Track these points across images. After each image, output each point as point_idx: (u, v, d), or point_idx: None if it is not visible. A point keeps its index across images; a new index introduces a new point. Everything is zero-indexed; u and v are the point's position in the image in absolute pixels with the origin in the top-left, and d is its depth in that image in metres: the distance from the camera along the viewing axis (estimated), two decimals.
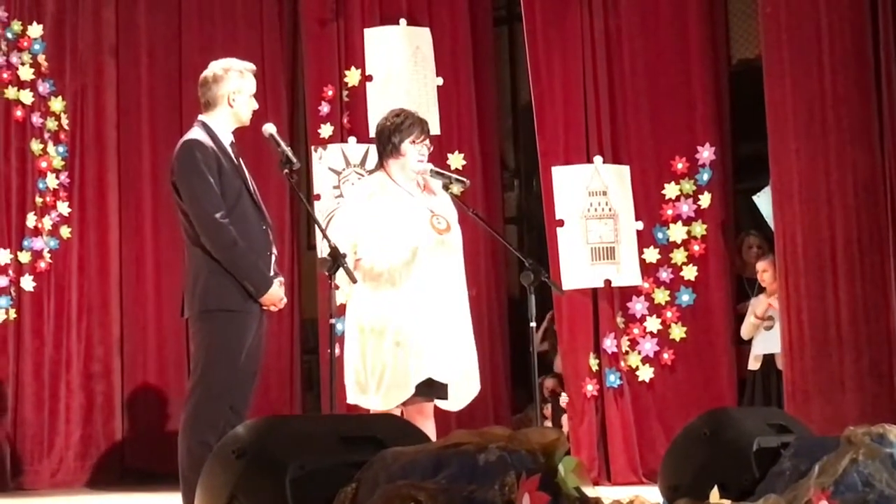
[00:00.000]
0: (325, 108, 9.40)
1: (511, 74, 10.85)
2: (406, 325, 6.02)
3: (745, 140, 8.86)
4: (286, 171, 5.82)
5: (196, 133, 5.78)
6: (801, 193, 7.92)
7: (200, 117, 5.88)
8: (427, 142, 6.29)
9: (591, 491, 3.80)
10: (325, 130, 9.36)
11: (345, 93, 9.39)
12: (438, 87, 9.31)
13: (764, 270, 8.55)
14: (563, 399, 8.92)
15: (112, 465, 9.59)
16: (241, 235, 5.68)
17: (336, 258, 5.56)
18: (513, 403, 9.57)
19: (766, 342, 8.49)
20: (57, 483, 9.30)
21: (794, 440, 4.68)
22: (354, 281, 5.75)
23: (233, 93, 5.84)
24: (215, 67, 5.90)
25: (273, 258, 5.91)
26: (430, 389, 6.04)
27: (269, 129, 5.90)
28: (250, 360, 5.77)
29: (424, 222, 6.13)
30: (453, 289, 6.19)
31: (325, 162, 9.20)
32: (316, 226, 6.24)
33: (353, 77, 9.36)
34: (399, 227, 6.08)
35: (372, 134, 8.95)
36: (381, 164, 6.32)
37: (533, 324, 6.09)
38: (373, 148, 8.85)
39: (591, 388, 8.62)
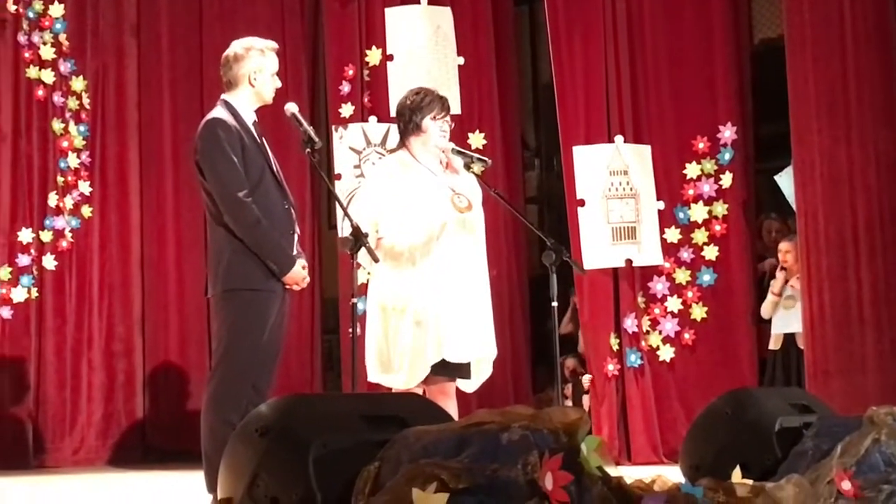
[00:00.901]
0: (345, 88, 9.40)
1: (532, 54, 10.83)
2: (426, 304, 6.01)
3: (766, 120, 8.82)
4: (308, 150, 5.81)
5: (219, 112, 5.77)
6: (823, 173, 7.89)
7: (223, 96, 5.86)
8: (448, 118, 6.28)
9: (613, 470, 3.80)
10: (346, 110, 9.36)
11: (366, 72, 9.39)
12: (459, 66, 9.30)
13: (787, 251, 8.53)
14: (586, 379, 8.91)
15: (133, 444, 9.64)
16: (263, 214, 5.67)
17: (358, 237, 5.55)
18: (533, 384, 9.57)
19: (786, 322, 8.47)
20: (78, 461, 9.36)
21: (817, 420, 4.68)
22: (376, 260, 5.75)
23: (254, 72, 5.82)
24: (236, 47, 5.89)
25: (296, 237, 5.90)
26: (453, 369, 6.03)
27: (291, 108, 5.88)
28: (273, 339, 5.77)
29: (445, 201, 6.12)
30: (474, 268, 6.17)
31: (346, 141, 9.20)
32: (338, 205, 6.21)
33: (373, 56, 9.36)
34: (420, 206, 6.07)
35: (393, 113, 8.94)
36: (402, 143, 6.31)
37: (555, 303, 6.07)
38: (394, 127, 8.84)
39: (611, 367, 8.62)
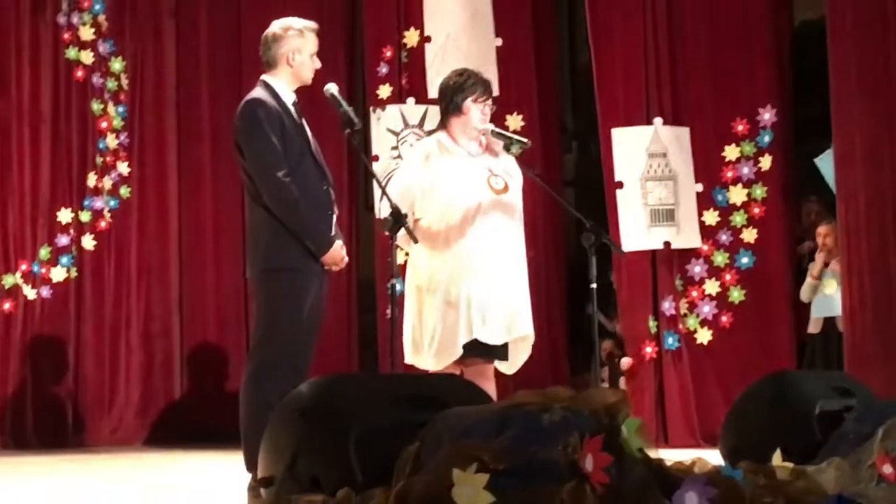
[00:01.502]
0: (383, 69, 9.40)
1: (570, 35, 10.79)
2: (459, 285, 6.00)
3: (807, 102, 8.77)
4: (347, 131, 5.80)
5: (258, 92, 5.77)
6: (864, 156, 7.84)
7: (263, 77, 5.86)
8: (489, 101, 6.26)
9: (653, 452, 3.80)
10: (384, 91, 9.36)
11: (403, 53, 9.38)
12: (497, 48, 9.27)
13: (826, 234, 8.48)
14: (625, 362, 8.89)
15: (171, 423, 9.67)
16: (302, 194, 5.67)
17: (397, 218, 5.55)
18: (570, 366, 9.55)
19: (825, 306, 8.42)
20: (117, 440, 9.41)
21: (858, 404, 4.66)
22: (415, 241, 5.75)
23: (293, 52, 5.82)
24: (275, 27, 5.88)
25: (334, 217, 5.90)
26: (489, 350, 6.02)
27: (331, 88, 5.87)
28: (312, 319, 5.77)
29: (482, 182, 6.10)
30: (510, 249, 6.16)
31: (384, 123, 9.20)
32: (377, 186, 6.21)
33: (411, 38, 9.35)
34: (457, 188, 6.06)
35: (430, 95, 8.99)
36: (442, 124, 6.29)
37: (594, 285, 6.06)
38: (431, 109, 8.88)
39: (649, 350, 8.60)
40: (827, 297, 8.39)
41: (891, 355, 7.64)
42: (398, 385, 4.06)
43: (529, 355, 6.28)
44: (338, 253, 5.81)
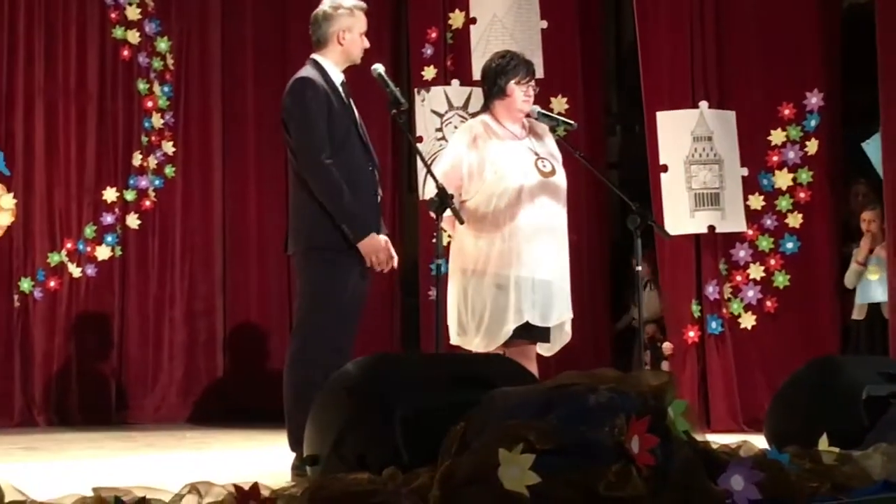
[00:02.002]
0: (428, 51, 9.40)
1: (616, 18, 10.74)
2: (508, 267, 6.01)
3: (854, 86, 8.70)
4: (394, 111, 5.81)
5: (308, 71, 5.78)
6: None
7: (312, 56, 5.87)
8: (533, 83, 6.25)
9: (699, 435, 3.79)
10: (429, 73, 9.36)
11: (449, 35, 9.37)
12: (542, 30, 9.24)
13: (871, 220, 8.42)
14: (667, 346, 8.86)
15: (214, 402, 9.73)
16: (346, 176, 5.67)
17: (443, 199, 5.55)
18: (613, 349, 9.54)
19: (870, 292, 8.37)
20: (160, 418, 9.47)
21: None
22: (462, 221, 5.74)
23: (342, 31, 5.82)
24: (326, 5, 5.89)
25: (379, 198, 5.90)
26: (534, 332, 6.03)
27: (378, 69, 5.87)
28: (355, 299, 5.78)
29: (529, 165, 6.11)
30: (557, 232, 6.17)
31: (428, 104, 9.20)
32: (424, 167, 6.21)
33: (457, 19, 9.33)
34: (503, 170, 6.06)
35: (475, 77, 8.96)
36: (486, 106, 6.30)
37: (639, 268, 6.06)
38: (475, 91, 8.86)
39: (692, 334, 8.57)
40: (872, 282, 8.34)
41: None
42: (444, 365, 4.07)
43: (572, 338, 6.29)
44: (378, 243, 5.71)
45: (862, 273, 8.39)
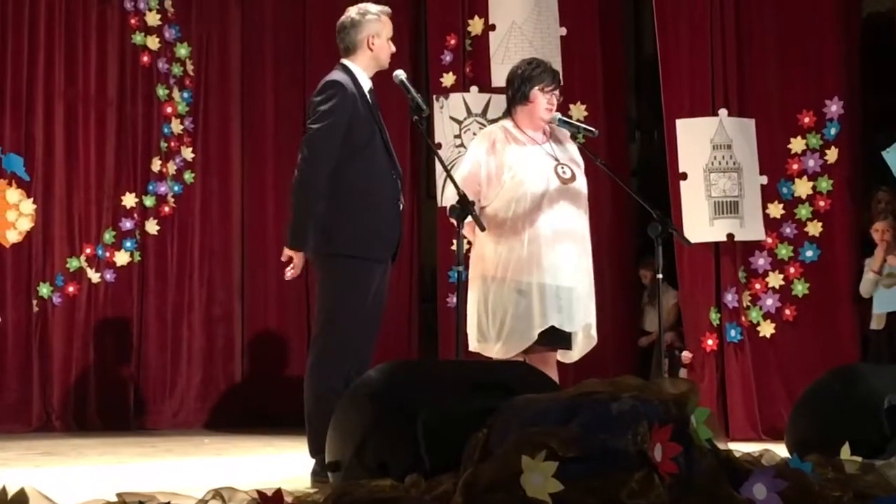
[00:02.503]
0: (447, 57, 9.40)
1: (635, 25, 10.73)
2: (529, 273, 6.01)
3: (875, 94, 8.68)
4: (415, 117, 5.83)
5: (339, 75, 5.82)
6: None
7: (343, 61, 5.91)
8: (557, 92, 6.26)
9: (722, 443, 3.78)
10: (448, 79, 9.36)
11: (468, 42, 9.38)
12: (562, 37, 9.24)
13: (885, 230, 8.38)
14: (686, 356, 8.84)
15: (232, 407, 9.74)
16: (364, 183, 5.71)
17: (465, 205, 5.55)
18: (632, 355, 9.53)
19: (888, 300, 8.34)
20: (178, 423, 9.49)
21: None
22: (483, 228, 5.75)
23: (371, 37, 5.87)
24: (352, 12, 5.92)
25: (400, 206, 5.92)
26: (555, 338, 6.03)
27: (400, 75, 5.90)
28: (375, 306, 5.80)
29: (549, 171, 6.11)
30: (577, 238, 6.16)
31: (447, 111, 9.20)
32: (445, 173, 6.22)
33: (476, 26, 9.34)
34: (524, 175, 6.06)
35: (494, 83, 8.98)
36: (508, 112, 6.30)
37: (660, 276, 6.05)
38: (494, 97, 8.87)
39: (710, 342, 8.56)
40: (889, 291, 8.30)
41: None
42: (466, 372, 4.07)
43: (594, 345, 6.28)
44: (294, 257, 5.81)
45: (877, 282, 8.36)
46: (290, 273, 5.90)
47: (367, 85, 5.87)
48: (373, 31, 5.88)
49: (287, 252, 5.83)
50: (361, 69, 5.87)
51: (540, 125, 6.24)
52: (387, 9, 5.97)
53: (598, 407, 3.50)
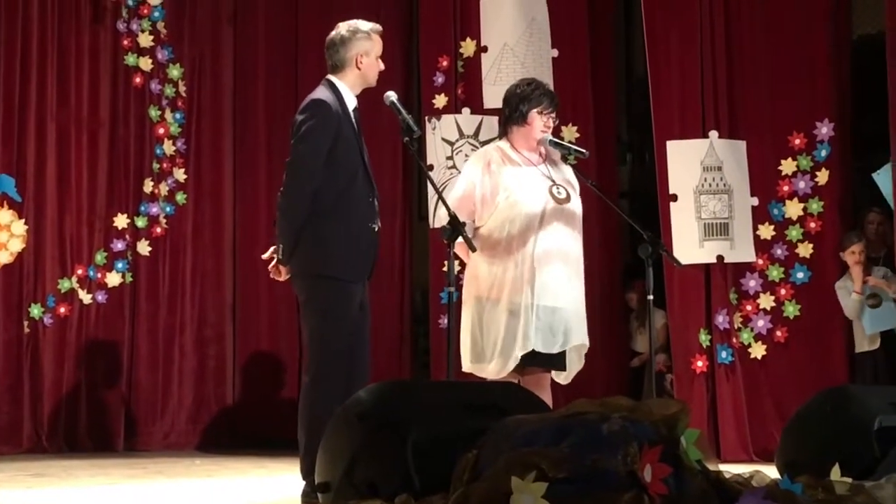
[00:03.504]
0: (439, 79, 9.42)
1: (626, 46, 10.76)
2: (520, 293, 6.01)
3: (865, 116, 8.71)
4: (406, 139, 5.83)
5: (325, 94, 5.81)
6: None
7: (329, 77, 5.91)
8: (553, 114, 6.26)
9: (712, 464, 3.79)
10: (440, 101, 9.38)
11: (460, 63, 9.39)
12: (553, 58, 9.27)
13: (861, 252, 8.37)
14: (668, 378, 8.85)
15: (223, 429, 9.72)
16: (344, 204, 5.73)
17: (456, 226, 5.56)
18: (624, 376, 9.53)
19: (879, 320, 8.34)
20: (169, 445, 9.46)
21: None
22: (473, 249, 5.74)
23: (360, 55, 5.87)
24: (342, 29, 5.92)
25: (376, 229, 5.92)
26: (547, 359, 6.02)
27: (391, 96, 5.90)
28: (361, 324, 5.82)
29: (544, 191, 6.11)
30: (571, 259, 6.16)
31: (439, 132, 9.22)
32: (436, 194, 6.23)
33: (468, 48, 9.36)
34: (519, 195, 6.06)
35: (486, 105, 9.00)
36: (504, 132, 6.30)
37: (650, 296, 6.06)
38: (486, 119, 8.90)
39: (700, 364, 8.57)
40: (876, 312, 8.31)
41: None
42: (457, 392, 4.07)
43: (585, 365, 6.28)
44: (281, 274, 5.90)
45: (861, 302, 8.35)
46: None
47: (352, 103, 5.87)
48: (362, 50, 5.88)
49: (282, 271, 5.87)
50: (348, 87, 5.88)
51: (535, 147, 6.24)
52: (377, 27, 5.97)
53: (589, 427, 3.51)
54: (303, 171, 5.72)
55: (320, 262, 5.74)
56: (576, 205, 6.20)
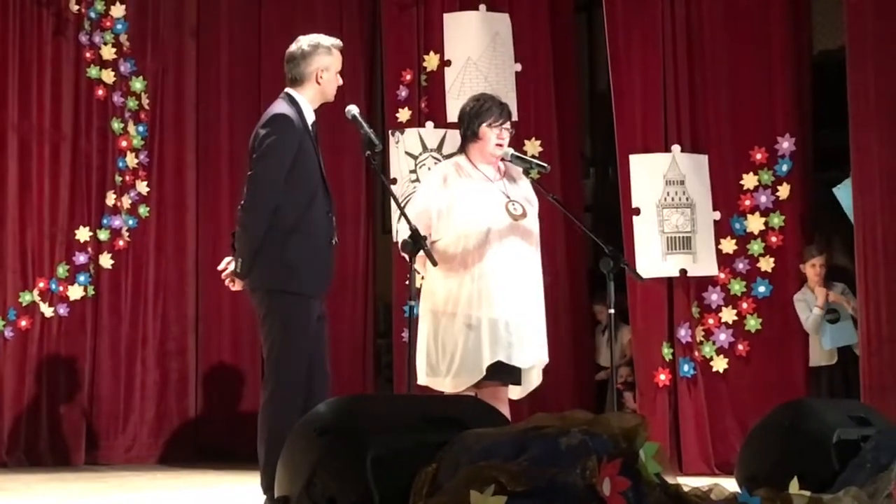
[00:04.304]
0: (403, 93, 9.43)
1: (589, 61, 10.80)
2: (478, 308, 6.02)
3: (825, 131, 8.77)
4: (368, 153, 5.84)
5: (285, 108, 5.79)
6: (882, 185, 7.85)
7: (288, 91, 5.90)
8: (507, 125, 6.28)
9: (671, 478, 3.79)
10: (403, 114, 9.38)
11: (423, 77, 9.41)
12: (517, 73, 9.30)
13: (822, 265, 8.42)
14: (628, 396, 8.88)
15: (185, 443, 9.68)
16: (304, 219, 5.72)
17: (417, 240, 5.56)
18: (588, 390, 9.55)
19: (837, 336, 8.38)
20: (130, 458, 9.41)
21: (875, 433, 4.65)
22: (435, 263, 5.76)
23: (321, 70, 5.86)
24: (303, 43, 5.91)
25: (333, 245, 5.91)
26: (505, 374, 6.04)
27: (353, 110, 5.91)
28: (319, 337, 5.82)
29: (499, 207, 6.13)
30: (528, 274, 6.18)
31: (403, 146, 9.23)
32: (397, 208, 6.24)
33: (431, 62, 9.37)
34: (474, 211, 6.08)
35: (449, 119, 9.01)
36: (462, 148, 6.34)
37: (611, 310, 6.07)
38: (450, 133, 8.91)
39: (663, 377, 8.59)
40: (836, 327, 8.36)
41: None
42: (416, 406, 4.06)
43: (545, 380, 6.29)
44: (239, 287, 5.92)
45: (822, 317, 8.39)
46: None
47: (310, 118, 5.87)
48: (323, 65, 5.88)
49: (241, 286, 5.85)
50: (307, 101, 5.87)
51: (492, 161, 6.26)
52: (338, 42, 5.97)
53: (547, 441, 3.51)
54: (265, 187, 5.70)
55: (282, 277, 5.72)
56: (532, 222, 6.23)
